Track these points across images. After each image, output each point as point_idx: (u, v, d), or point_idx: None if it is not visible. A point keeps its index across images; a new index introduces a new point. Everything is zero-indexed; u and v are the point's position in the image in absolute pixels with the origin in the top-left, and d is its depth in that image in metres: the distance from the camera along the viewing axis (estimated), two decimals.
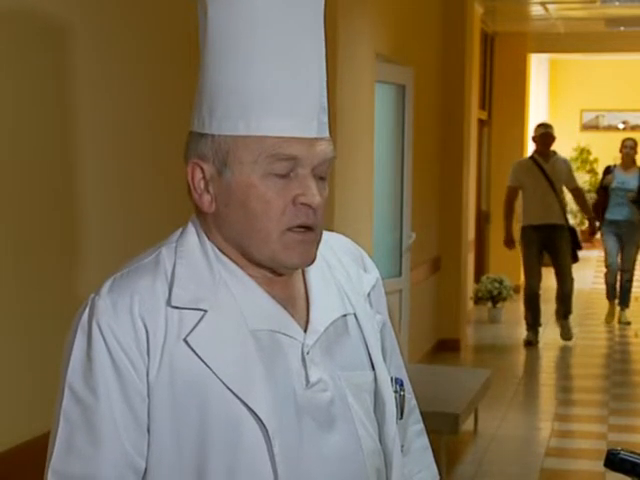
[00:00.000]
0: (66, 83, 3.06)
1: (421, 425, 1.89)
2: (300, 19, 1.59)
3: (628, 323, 11.12)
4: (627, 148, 11.17)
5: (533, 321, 10.03)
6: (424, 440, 1.88)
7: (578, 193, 10.36)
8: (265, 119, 1.56)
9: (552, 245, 9.84)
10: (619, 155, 11.30)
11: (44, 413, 2.78)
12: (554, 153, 10.08)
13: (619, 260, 11.23)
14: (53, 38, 2.99)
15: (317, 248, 1.64)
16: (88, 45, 3.16)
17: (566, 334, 10.03)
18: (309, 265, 1.64)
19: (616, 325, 11.12)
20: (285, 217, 1.58)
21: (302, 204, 1.58)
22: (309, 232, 1.60)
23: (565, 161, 10.34)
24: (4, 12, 2.76)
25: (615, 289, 11.33)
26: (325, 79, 1.62)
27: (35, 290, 2.91)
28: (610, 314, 11.34)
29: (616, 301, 11.31)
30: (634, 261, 11.33)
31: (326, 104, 1.62)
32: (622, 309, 11.27)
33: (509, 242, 10.12)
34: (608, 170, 11.29)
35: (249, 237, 1.59)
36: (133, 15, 3.43)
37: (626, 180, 10.99)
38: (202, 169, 1.61)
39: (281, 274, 1.64)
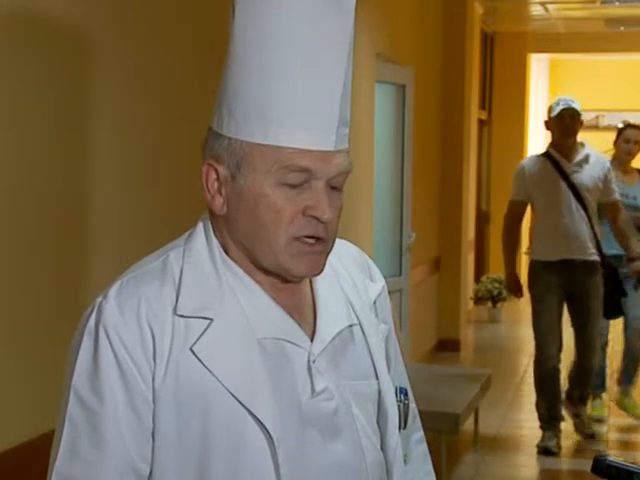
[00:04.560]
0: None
1: (421, 432, 1.89)
2: (326, 32, 1.57)
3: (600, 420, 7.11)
4: (630, 143, 7.05)
5: (549, 413, 6.41)
6: (424, 448, 1.89)
7: (616, 210, 6.39)
8: (283, 130, 1.55)
9: (577, 293, 6.30)
10: (611, 152, 7.23)
11: (43, 414, 2.79)
12: (582, 146, 6.36)
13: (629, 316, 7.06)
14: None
15: (326, 259, 1.63)
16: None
17: (582, 426, 6.64)
18: (317, 275, 1.64)
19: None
20: (293, 226, 1.57)
21: (311, 216, 1.57)
22: (318, 243, 1.59)
23: (600, 160, 6.40)
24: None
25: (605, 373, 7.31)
26: (349, 92, 1.61)
27: (35, 291, 2.91)
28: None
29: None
30: None
31: (348, 116, 1.61)
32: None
33: (515, 288, 6.66)
34: None
35: (257, 244, 1.59)
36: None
37: (630, 191, 6.96)
38: (216, 170, 1.60)
39: (288, 281, 1.63)
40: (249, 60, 1.57)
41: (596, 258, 6.26)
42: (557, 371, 6.40)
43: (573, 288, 6.29)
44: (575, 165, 6.26)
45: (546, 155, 6.36)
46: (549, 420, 6.40)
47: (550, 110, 6.34)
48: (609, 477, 1.71)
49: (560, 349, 6.41)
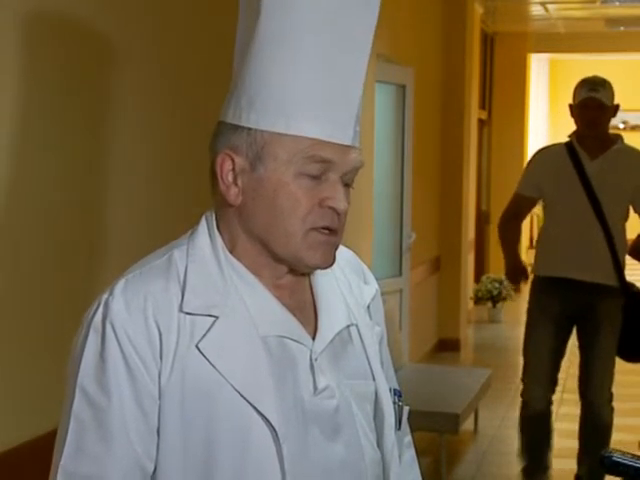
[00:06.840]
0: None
1: (410, 437, 1.90)
2: (351, 27, 1.60)
3: None
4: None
5: (533, 462, 5.27)
6: (412, 452, 1.90)
7: None
8: (306, 120, 1.57)
9: (586, 324, 5.05)
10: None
11: (43, 414, 2.79)
12: (615, 140, 5.07)
13: None
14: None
15: (336, 251, 1.66)
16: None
17: None
18: (329, 267, 1.66)
19: None
20: (311, 217, 1.59)
21: (329, 207, 1.60)
22: (332, 235, 1.62)
23: (636, 160, 5.08)
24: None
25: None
26: (362, 91, 1.64)
27: (35, 290, 2.91)
28: None
29: None
30: None
31: (360, 114, 1.64)
32: None
33: (515, 273, 5.30)
34: None
35: (274, 233, 1.60)
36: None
37: None
38: (233, 161, 1.61)
39: (297, 274, 1.65)
40: (273, 52, 1.59)
41: (612, 282, 4.96)
42: (545, 417, 5.18)
43: (578, 316, 5.06)
44: (600, 163, 4.97)
45: (569, 146, 5.04)
46: (532, 473, 5.26)
47: (574, 94, 5.08)
48: (617, 474, 1.72)
49: (552, 390, 5.18)
